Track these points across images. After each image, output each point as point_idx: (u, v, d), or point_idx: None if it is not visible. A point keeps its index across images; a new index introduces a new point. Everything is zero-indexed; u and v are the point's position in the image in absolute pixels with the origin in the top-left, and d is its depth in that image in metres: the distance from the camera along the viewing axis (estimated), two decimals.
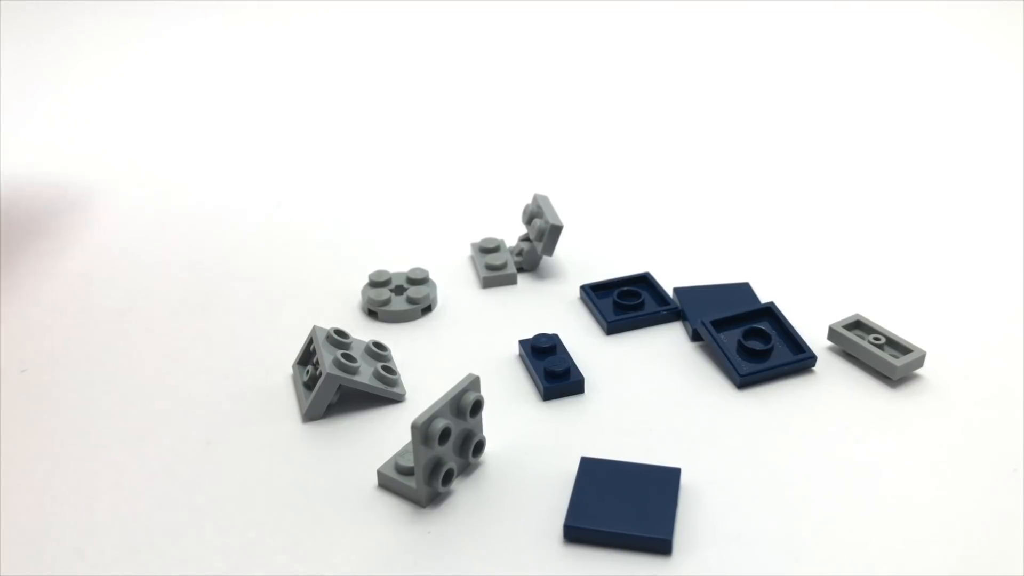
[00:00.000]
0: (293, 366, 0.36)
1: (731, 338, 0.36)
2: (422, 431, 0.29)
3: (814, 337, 0.37)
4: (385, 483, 0.31)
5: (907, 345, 0.35)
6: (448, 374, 0.33)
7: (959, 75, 0.74)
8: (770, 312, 0.38)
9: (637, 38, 0.86)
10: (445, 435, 0.29)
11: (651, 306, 0.40)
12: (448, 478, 0.30)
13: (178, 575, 0.28)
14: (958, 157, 0.58)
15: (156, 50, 0.74)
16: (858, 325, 0.37)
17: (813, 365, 0.36)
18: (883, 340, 0.36)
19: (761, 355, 0.36)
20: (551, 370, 0.35)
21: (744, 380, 0.35)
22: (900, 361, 0.35)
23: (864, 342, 0.36)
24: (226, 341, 0.39)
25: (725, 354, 0.36)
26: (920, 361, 0.35)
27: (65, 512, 0.30)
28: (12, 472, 0.32)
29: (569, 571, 0.28)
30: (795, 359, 0.36)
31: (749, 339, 0.36)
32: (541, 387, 0.35)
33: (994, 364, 0.36)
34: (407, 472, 0.30)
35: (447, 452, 0.30)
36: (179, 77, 0.71)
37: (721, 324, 0.37)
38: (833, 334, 0.37)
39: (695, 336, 0.38)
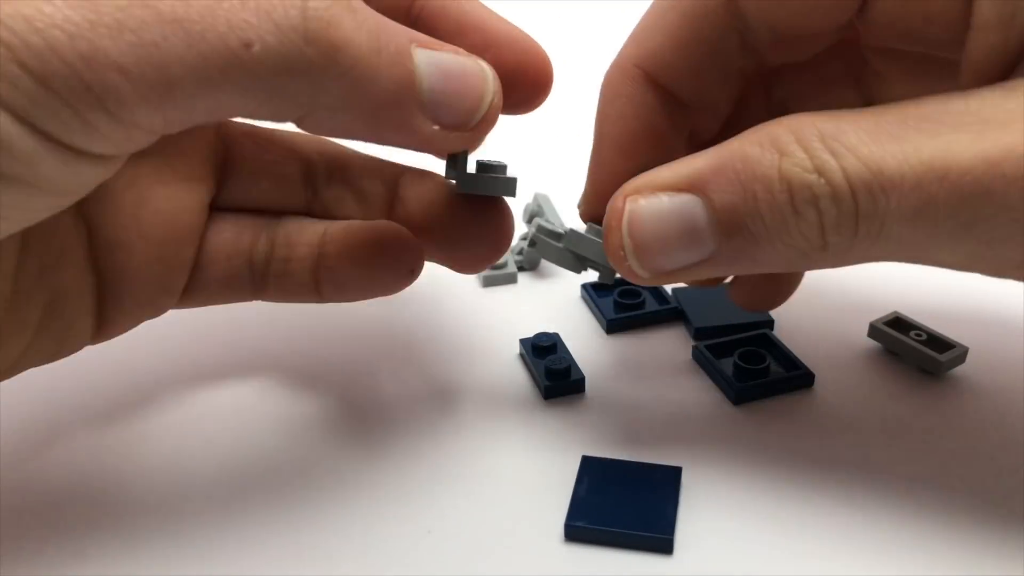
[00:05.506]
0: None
1: (727, 363, 0.35)
2: None
3: (816, 336, 0.37)
4: None
5: (948, 341, 0.35)
6: (448, 374, 0.33)
7: None
8: (766, 332, 0.37)
9: None
10: None
11: (651, 305, 0.40)
12: None
13: (177, 575, 0.28)
14: None
15: None
16: (897, 322, 0.37)
17: (811, 384, 0.35)
18: (924, 336, 0.36)
19: (756, 375, 0.35)
20: (552, 369, 0.35)
21: (739, 400, 0.34)
22: (944, 357, 0.35)
23: (906, 338, 0.35)
24: (224, 342, 0.39)
25: (722, 378, 0.35)
26: (962, 357, 0.35)
27: (65, 512, 0.30)
28: (12, 472, 0.32)
29: (569, 570, 0.28)
30: (791, 375, 0.35)
31: (744, 361, 0.35)
32: (542, 386, 0.35)
33: None
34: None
35: None
36: None
37: (717, 348, 0.36)
38: (874, 331, 0.36)
39: (696, 335, 0.38)
